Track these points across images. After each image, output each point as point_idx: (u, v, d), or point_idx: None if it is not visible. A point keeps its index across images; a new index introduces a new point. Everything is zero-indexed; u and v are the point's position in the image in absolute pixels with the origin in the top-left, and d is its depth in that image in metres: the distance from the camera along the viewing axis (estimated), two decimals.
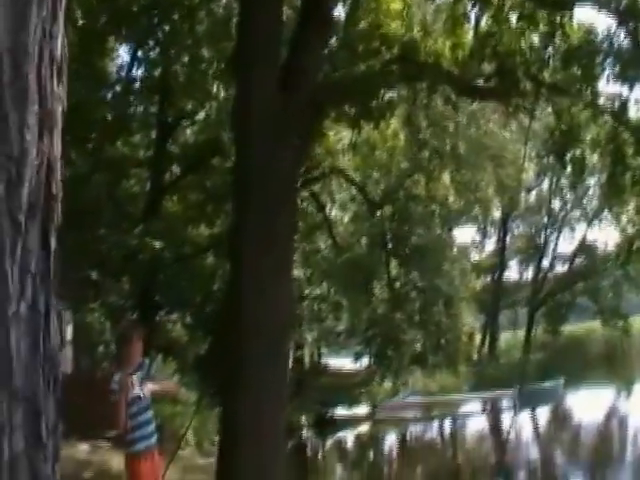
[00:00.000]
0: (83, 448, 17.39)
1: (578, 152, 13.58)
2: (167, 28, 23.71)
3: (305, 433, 32.95)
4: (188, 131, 29.01)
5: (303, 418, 32.65)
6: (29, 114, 2.39)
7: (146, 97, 27.06)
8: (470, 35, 13.45)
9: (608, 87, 13.32)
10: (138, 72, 27.24)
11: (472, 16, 13.45)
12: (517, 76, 12.67)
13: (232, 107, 15.00)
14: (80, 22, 21.01)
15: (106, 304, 28.82)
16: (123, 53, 28.77)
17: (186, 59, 23.38)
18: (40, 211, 2.43)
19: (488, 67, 13.48)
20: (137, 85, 26.39)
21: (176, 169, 28.91)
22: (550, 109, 14.71)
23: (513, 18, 13.02)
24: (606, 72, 12.80)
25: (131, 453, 8.12)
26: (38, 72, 2.42)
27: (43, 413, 2.43)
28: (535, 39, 13.10)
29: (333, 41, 15.16)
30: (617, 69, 12.72)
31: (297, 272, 27.60)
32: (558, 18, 12.54)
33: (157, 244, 24.29)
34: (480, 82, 13.94)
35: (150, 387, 8.03)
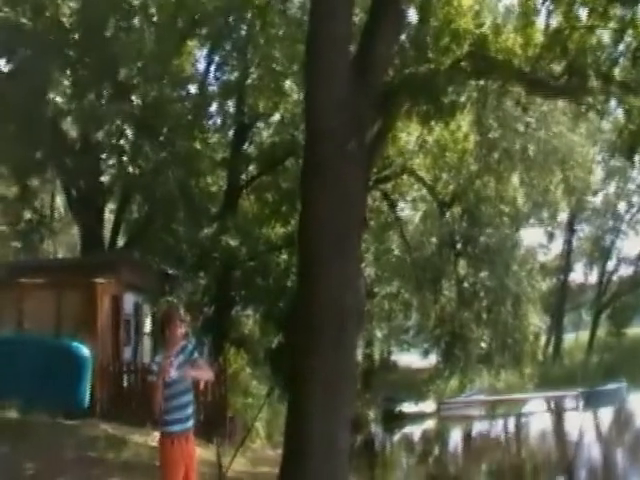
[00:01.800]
0: (157, 435, 17.94)
1: None
2: (243, 29, 24.42)
3: (373, 428, 33.60)
4: (264, 133, 29.73)
5: (372, 413, 33.33)
6: None
7: (223, 98, 27.87)
8: (540, 33, 13.64)
9: None
10: (215, 74, 28.20)
11: (543, 13, 13.74)
12: (587, 74, 12.90)
13: (304, 105, 14.90)
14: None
15: (183, 298, 29.68)
16: (201, 57, 29.57)
17: (261, 61, 24.04)
18: None
19: (558, 66, 13.59)
20: (214, 87, 27.20)
21: (252, 169, 29.74)
22: (620, 109, 14.81)
23: (584, 15, 13.23)
24: None
25: (164, 434, 8.14)
26: None
27: None
28: (605, 36, 13.27)
29: (404, 39, 14.93)
30: None
31: (368, 270, 28.20)
32: (629, 14, 12.72)
33: (232, 242, 25.02)
34: (550, 81, 14.22)
35: (191, 371, 8.08)
